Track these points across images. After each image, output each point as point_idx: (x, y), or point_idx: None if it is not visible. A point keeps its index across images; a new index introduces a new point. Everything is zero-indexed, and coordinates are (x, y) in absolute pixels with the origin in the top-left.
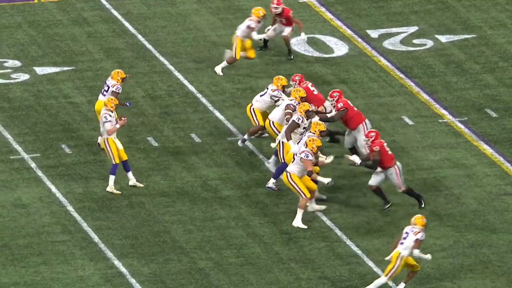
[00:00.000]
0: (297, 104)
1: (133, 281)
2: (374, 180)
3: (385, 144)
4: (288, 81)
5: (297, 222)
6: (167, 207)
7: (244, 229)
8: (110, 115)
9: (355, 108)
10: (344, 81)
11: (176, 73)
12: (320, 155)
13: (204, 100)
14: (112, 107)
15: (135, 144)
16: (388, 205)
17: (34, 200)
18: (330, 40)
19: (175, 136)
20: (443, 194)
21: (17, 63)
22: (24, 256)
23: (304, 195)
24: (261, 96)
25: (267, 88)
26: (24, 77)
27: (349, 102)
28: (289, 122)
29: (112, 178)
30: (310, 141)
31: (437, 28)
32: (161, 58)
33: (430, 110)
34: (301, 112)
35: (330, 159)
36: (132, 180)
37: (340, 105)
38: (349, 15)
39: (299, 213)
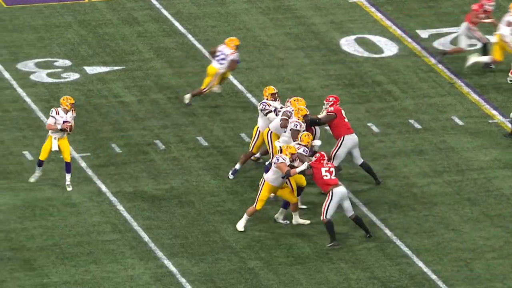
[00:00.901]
0: (293, 111)
1: (183, 280)
2: (331, 212)
3: (343, 112)
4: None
5: (240, 225)
6: (217, 206)
7: (294, 229)
8: (58, 113)
9: (346, 120)
10: (394, 81)
11: None
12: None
13: (253, 100)
14: (67, 106)
15: (185, 144)
16: (332, 244)
17: (84, 199)
18: (380, 40)
19: (224, 135)
20: (493, 195)
21: (67, 62)
22: (74, 255)
23: (256, 205)
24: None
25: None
26: (74, 76)
27: (342, 112)
28: (290, 132)
29: (38, 169)
30: (285, 148)
31: (487, 28)
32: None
33: (480, 110)
34: (298, 118)
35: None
36: (67, 181)
37: (331, 109)
38: (399, 15)
39: (244, 218)
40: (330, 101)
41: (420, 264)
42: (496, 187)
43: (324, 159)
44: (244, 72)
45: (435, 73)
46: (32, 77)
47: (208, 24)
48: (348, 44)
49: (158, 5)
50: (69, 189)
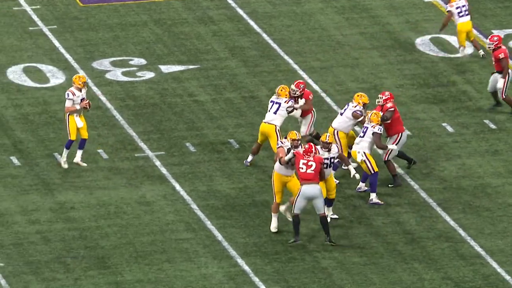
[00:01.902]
0: (362, 109)
1: (256, 279)
2: (298, 207)
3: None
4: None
5: (272, 226)
6: (291, 206)
7: (367, 228)
8: (74, 93)
9: (399, 116)
10: (469, 81)
11: (301, 72)
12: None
13: (328, 99)
14: (80, 84)
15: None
16: (293, 240)
17: (158, 197)
18: (455, 40)
19: None
20: None
21: (142, 61)
22: (148, 253)
23: (275, 199)
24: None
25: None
26: (149, 75)
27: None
28: (374, 135)
29: (65, 152)
30: (289, 133)
31: None
32: (286, 57)
33: None
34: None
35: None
36: (77, 158)
37: (390, 105)
38: (475, 15)
39: (273, 218)
40: (387, 95)
41: (494, 264)
42: None
43: (311, 152)
44: (319, 72)
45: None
46: (108, 75)
47: (283, 23)
48: (423, 43)
49: (233, 4)
50: (84, 164)
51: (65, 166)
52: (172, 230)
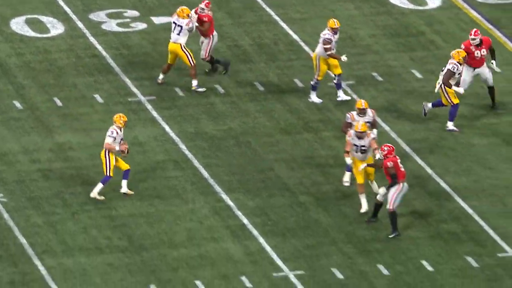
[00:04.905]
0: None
1: (239, 213)
2: (398, 203)
3: (399, 161)
4: None
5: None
6: (271, 146)
7: (342, 166)
8: (117, 132)
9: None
10: (437, 32)
11: (282, 23)
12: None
13: (307, 48)
14: (121, 123)
15: (243, 88)
16: (395, 234)
17: (149, 139)
18: None
19: (279, 81)
20: None
21: (135, 13)
22: (139, 190)
23: (357, 179)
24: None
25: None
26: (142, 26)
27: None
28: (445, 71)
29: (101, 186)
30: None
31: None
32: (268, 9)
33: None
34: (459, 59)
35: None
36: (124, 189)
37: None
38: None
39: (362, 198)
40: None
41: None
42: None
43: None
44: (299, 23)
45: (475, 24)
46: (103, 26)
47: None
48: None
49: None
50: (131, 192)
51: (101, 198)
52: (162, 168)
